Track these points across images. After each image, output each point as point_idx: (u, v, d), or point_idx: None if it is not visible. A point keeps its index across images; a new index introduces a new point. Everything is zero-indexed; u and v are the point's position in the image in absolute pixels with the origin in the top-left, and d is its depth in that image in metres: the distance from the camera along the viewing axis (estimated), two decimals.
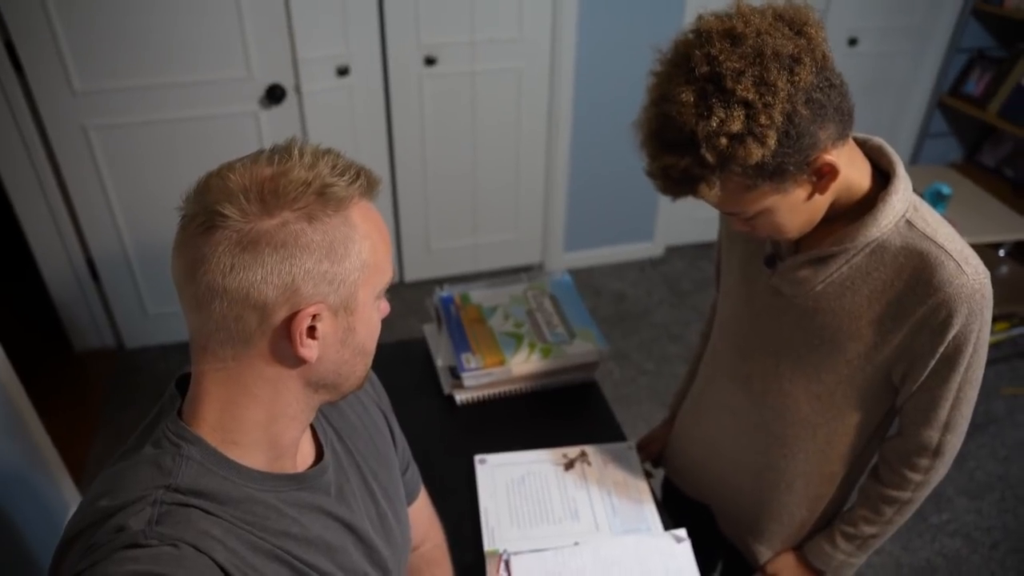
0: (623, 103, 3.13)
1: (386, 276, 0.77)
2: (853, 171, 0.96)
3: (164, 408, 0.78)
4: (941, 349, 0.98)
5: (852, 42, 3.32)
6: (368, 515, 0.91)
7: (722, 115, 0.83)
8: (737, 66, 0.83)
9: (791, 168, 0.88)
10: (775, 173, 0.87)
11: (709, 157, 0.85)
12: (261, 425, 0.75)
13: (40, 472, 2.01)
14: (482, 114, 3.03)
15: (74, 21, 2.26)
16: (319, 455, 0.87)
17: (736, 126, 0.83)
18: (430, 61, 2.84)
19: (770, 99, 0.82)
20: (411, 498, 1.10)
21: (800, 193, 0.93)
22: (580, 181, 3.31)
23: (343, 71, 2.71)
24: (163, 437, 0.73)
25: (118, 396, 2.76)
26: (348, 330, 0.74)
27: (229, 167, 0.71)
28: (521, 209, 3.34)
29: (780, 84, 0.83)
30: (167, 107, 2.48)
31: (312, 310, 0.69)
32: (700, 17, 0.89)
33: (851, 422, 1.12)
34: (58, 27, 2.25)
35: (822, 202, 0.96)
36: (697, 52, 0.85)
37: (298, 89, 2.56)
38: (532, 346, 1.52)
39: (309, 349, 0.71)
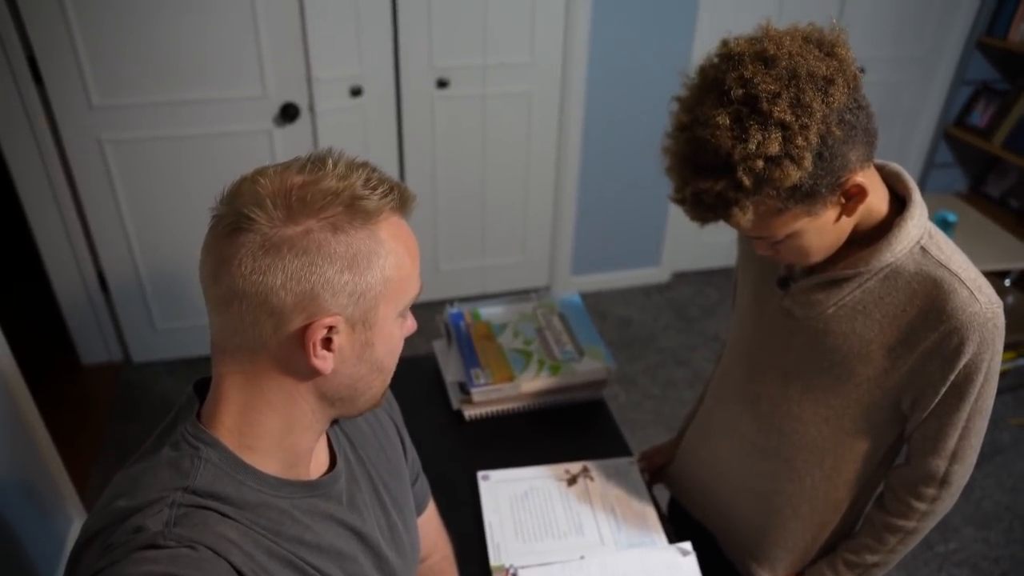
0: (633, 128, 3.17)
1: (410, 293, 0.77)
2: (873, 196, 0.96)
3: (182, 410, 0.78)
4: (951, 377, 0.97)
5: (860, 71, 3.35)
6: (379, 524, 0.91)
7: (759, 137, 0.83)
8: (773, 88, 0.83)
9: (823, 190, 0.88)
10: (808, 195, 0.88)
11: (745, 180, 0.84)
12: (277, 433, 0.76)
13: (45, 483, 2.01)
14: (492, 137, 3.06)
15: (94, 37, 2.30)
16: (332, 463, 0.87)
17: (773, 148, 0.83)
18: (442, 84, 2.88)
19: (806, 120, 0.83)
20: (420, 509, 1.10)
21: (829, 215, 0.93)
22: (588, 205, 3.34)
23: (356, 91, 2.74)
24: (182, 439, 0.73)
25: (123, 410, 2.76)
26: (366, 345, 0.74)
27: (262, 172, 0.71)
28: (529, 232, 3.36)
29: (815, 105, 0.83)
30: (182, 123, 2.51)
31: (328, 321, 0.69)
32: (726, 42, 0.90)
33: (859, 449, 1.12)
34: (79, 42, 2.29)
35: (847, 225, 0.97)
36: (730, 75, 0.85)
37: (312, 108, 2.60)
38: (541, 363, 1.53)
39: (324, 361, 0.71)
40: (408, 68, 2.83)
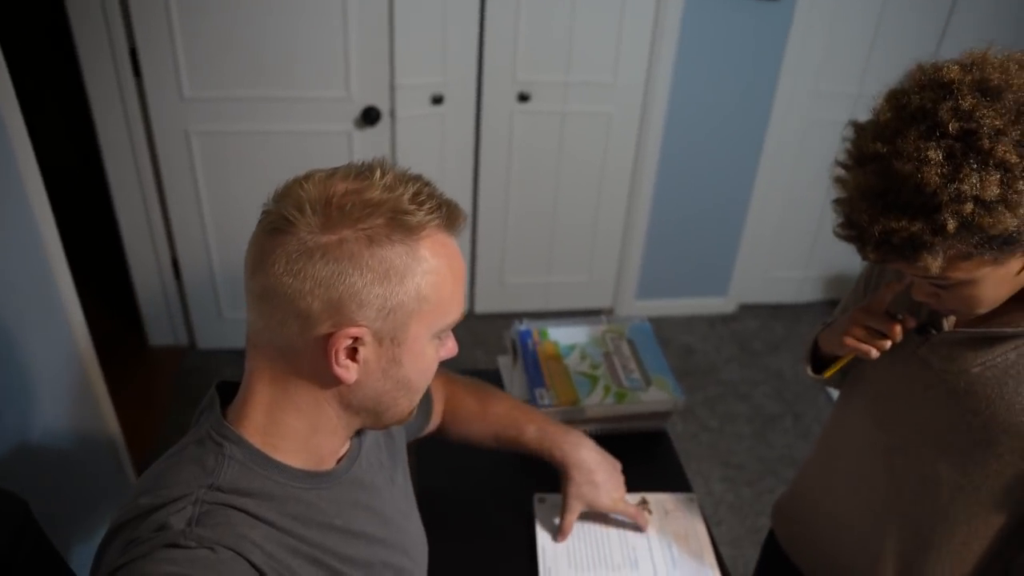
0: (710, 156, 3.13)
1: (449, 316, 0.75)
2: None
3: (205, 409, 0.79)
4: None
5: None
6: (399, 507, 0.93)
7: (975, 179, 0.74)
8: (997, 124, 0.74)
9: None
10: (1006, 243, 0.78)
11: (949, 224, 0.75)
12: (303, 434, 0.76)
13: (107, 460, 2.06)
14: (569, 154, 3.05)
15: (192, 31, 2.37)
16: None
17: (991, 192, 0.73)
18: (523, 97, 2.88)
19: None
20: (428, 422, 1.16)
21: (1014, 265, 0.83)
22: (659, 230, 3.29)
23: (438, 99, 2.76)
24: (207, 437, 0.75)
25: (185, 394, 2.83)
26: (392, 361, 0.73)
27: (310, 175, 0.72)
28: (597, 252, 3.33)
29: None
30: (266, 119, 2.57)
31: (353, 332, 0.69)
32: (937, 67, 0.80)
33: (995, 523, 1.00)
34: (178, 36, 2.37)
35: None
36: (943, 106, 0.76)
37: (393, 113, 2.63)
38: (607, 389, 1.50)
39: (347, 370, 0.71)
40: (491, 80, 2.84)
